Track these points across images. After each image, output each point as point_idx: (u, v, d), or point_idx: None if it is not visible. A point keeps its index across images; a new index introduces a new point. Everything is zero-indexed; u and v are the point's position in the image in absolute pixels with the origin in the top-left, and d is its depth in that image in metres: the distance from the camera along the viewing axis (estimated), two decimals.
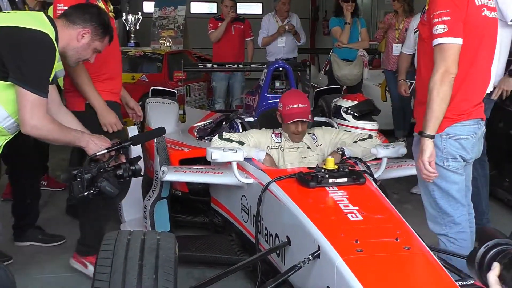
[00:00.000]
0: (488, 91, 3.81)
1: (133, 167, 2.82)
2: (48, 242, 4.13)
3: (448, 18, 2.68)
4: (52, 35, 2.67)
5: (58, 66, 2.82)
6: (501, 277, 1.14)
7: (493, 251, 1.20)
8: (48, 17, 2.78)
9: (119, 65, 3.60)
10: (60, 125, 2.77)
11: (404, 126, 6.93)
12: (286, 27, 7.15)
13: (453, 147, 2.85)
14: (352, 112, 4.43)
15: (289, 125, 3.61)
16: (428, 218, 3.03)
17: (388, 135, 6.66)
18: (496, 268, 1.15)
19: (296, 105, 3.59)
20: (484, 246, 1.22)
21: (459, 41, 2.69)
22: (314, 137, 3.75)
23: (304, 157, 3.66)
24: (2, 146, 2.80)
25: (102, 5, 3.37)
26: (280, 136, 3.69)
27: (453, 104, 2.80)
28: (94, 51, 2.91)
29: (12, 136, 2.82)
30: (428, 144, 2.76)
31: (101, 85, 3.39)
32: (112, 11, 3.51)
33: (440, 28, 2.69)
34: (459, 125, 2.83)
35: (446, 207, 2.93)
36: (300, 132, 3.61)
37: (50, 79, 2.68)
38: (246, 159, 3.44)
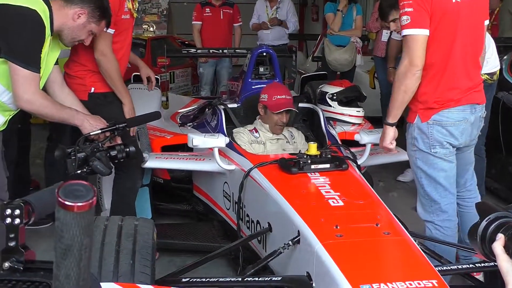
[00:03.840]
0: (489, 71, 3.91)
1: (128, 149, 2.99)
2: (37, 224, 4.19)
3: (411, 9, 2.70)
4: (42, 12, 2.75)
5: (61, 47, 2.94)
6: (506, 247, 1.19)
7: (495, 223, 1.25)
8: None
9: (127, 63, 3.75)
10: (54, 102, 2.90)
11: None
12: (269, 24, 7.20)
13: (440, 134, 2.89)
14: (337, 98, 4.48)
15: (273, 116, 3.68)
16: (418, 203, 3.12)
17: (376, 122, 6.74)
18: (501, 239, 1.20)
19: (283, 96, 3.71)
20: (485, 219, 1.27)
21: (423, 31, 2.71)
22: (292, 134, 3.82)
23: (284, 150, 3.72)
24: (7, 122, 2.91)
25: (130, 4, 3.48)
26: (257, 131, 3.76)
27: (437, 94, 2.85)
28: (89, 33, 2.99)
29: (16, 112, 2.91)
30: (389, 131, 2.99)
31: None
32: (136, 9, 3.60)
33: (403, 20, 2.72)
34: (446, 111, 2.87)
35: (434, 194, 2.99)
36: (284, 123, 3.70)
37: (43, 55, 2.77)
38: (228, 145, 3.48)
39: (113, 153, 2.93)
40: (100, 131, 2.95)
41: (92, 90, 3.43)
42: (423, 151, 2.93)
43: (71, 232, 1.04)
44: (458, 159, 3.03)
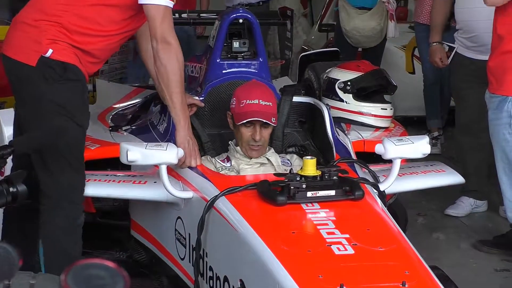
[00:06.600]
0: None
1: (14, 189, 2.83)
2: None
3: None
4: None
5: None
6: None
7: None
8: None
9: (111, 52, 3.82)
10: None
11: (441, 112, 7.03)
12: None
13: None
14: (352, 89, 4.50)
15: (241, 130, 3.65)
16: (506, 208, 3.89)
17: (413, 126, 6.79)
18: None
19: (256, 101, 3.64)
20: None
21: None
22: (288, 162, 3.79)
23: None
24: None
25: None
26: (229, 160, 3.75)
27: None
28: None
29: None
30: None
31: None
32: None
33: None
34: None
35: None
36: (259, 141, 3.64)
37: None
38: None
39: None
40: None
41: (49, 53, 3.32)
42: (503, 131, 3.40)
43: None
44: None
